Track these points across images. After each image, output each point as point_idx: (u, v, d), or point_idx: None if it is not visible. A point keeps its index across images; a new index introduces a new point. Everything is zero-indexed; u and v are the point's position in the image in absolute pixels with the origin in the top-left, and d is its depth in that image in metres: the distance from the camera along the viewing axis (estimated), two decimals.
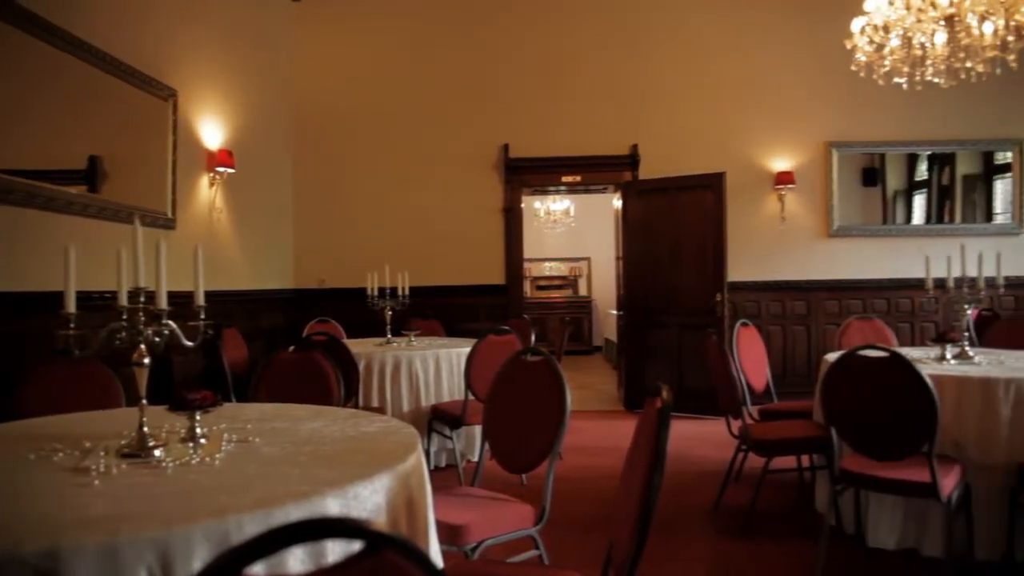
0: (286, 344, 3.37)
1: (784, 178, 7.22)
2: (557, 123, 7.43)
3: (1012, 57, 3.91)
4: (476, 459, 4.80)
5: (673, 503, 4.03)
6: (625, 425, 5.84)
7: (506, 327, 4.58)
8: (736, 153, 7.26)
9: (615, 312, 8.63)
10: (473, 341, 4.51)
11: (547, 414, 2.47)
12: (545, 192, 10.20)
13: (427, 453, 4.70)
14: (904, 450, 2.85)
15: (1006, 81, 4.79)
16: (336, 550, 1.33)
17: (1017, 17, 3.79)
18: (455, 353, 4.90)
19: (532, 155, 7.39)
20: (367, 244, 7.36)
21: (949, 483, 2.84)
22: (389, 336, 5.30)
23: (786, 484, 4.28)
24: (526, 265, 8.74)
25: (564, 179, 7.57)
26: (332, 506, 1.42)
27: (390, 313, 5.30)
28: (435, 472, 4.76)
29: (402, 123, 7.54)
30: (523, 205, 7.72)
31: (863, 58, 4.33)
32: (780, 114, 7.32)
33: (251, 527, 1.28)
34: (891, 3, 4.09)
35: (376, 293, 5.34)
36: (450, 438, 4.57)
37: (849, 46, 4.36)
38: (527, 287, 11.77)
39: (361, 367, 4.54)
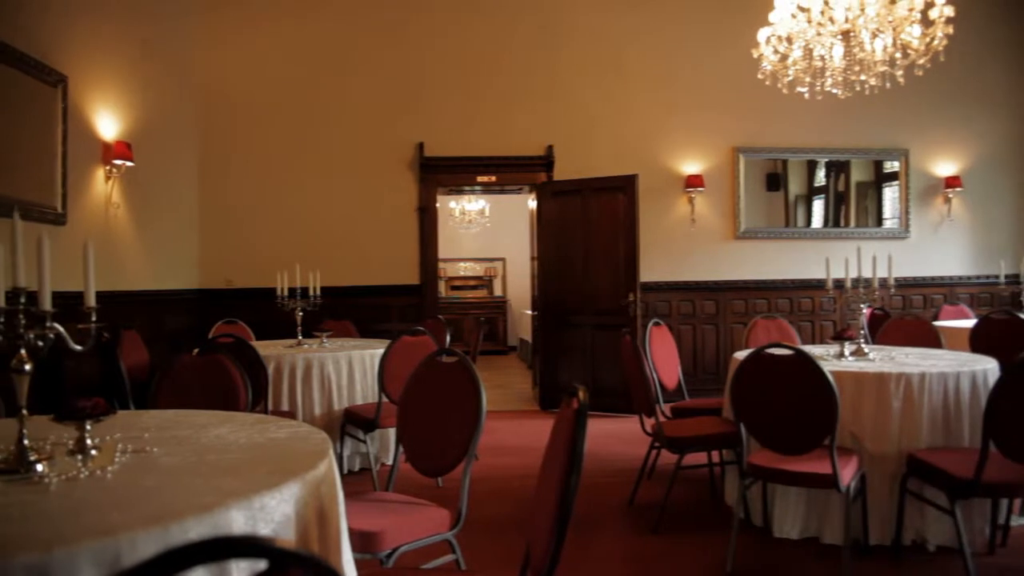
0: (190, 347, 3.20)
1: (694, 181, 7.44)
2: (473, 123, 7.40)
3: (900, 72, 4.17)
4: (391, 463, 4.71)
5: (588, 501, 4.08)
6: (541, 424, 5.87)
7: (420, 328, 4.53)
8: (648, 156, 7.43)
9: (530, 312, 8.69)
10: (387, 342, 4.43)
11: (462, 415, 2.44)
12: (460, 192, 10.15)
13: (340, 457, 4.58)
14: (808, 444, 2.98)
15: (895, 95, 5.10)
16: (242, 566, 1.26)
17: (903, 37, 4.05)
18: (368, 354, 4.80)
19: (447, 154, 7.33)
20: (277, 243, 7.12)
21: (848, 474, 2.99)
22: (300, 337, 5.16)
23: (698, 480, 4.39)
24: (441, 265, 8.69)
25: (479, 179, 7.55)
26: (237, 519, 1.34)
27: (301, 314, 5.15)
28: (348, 477, 4.65)
29: (315, 120, 7.33)
30: (438, 205, 7.65)
31: (768, 67, 4.52)
32: (690, 119, 7.54)
33: (146, 547, 1.19)
34: (794, 16, 4.29)
35: (286, 293, 5.18)
36: (364, 441, 4.47)
37: (756, 55, 4.54)
38: (442, 287, 11.72)
39: (270, 370, 4.38)
